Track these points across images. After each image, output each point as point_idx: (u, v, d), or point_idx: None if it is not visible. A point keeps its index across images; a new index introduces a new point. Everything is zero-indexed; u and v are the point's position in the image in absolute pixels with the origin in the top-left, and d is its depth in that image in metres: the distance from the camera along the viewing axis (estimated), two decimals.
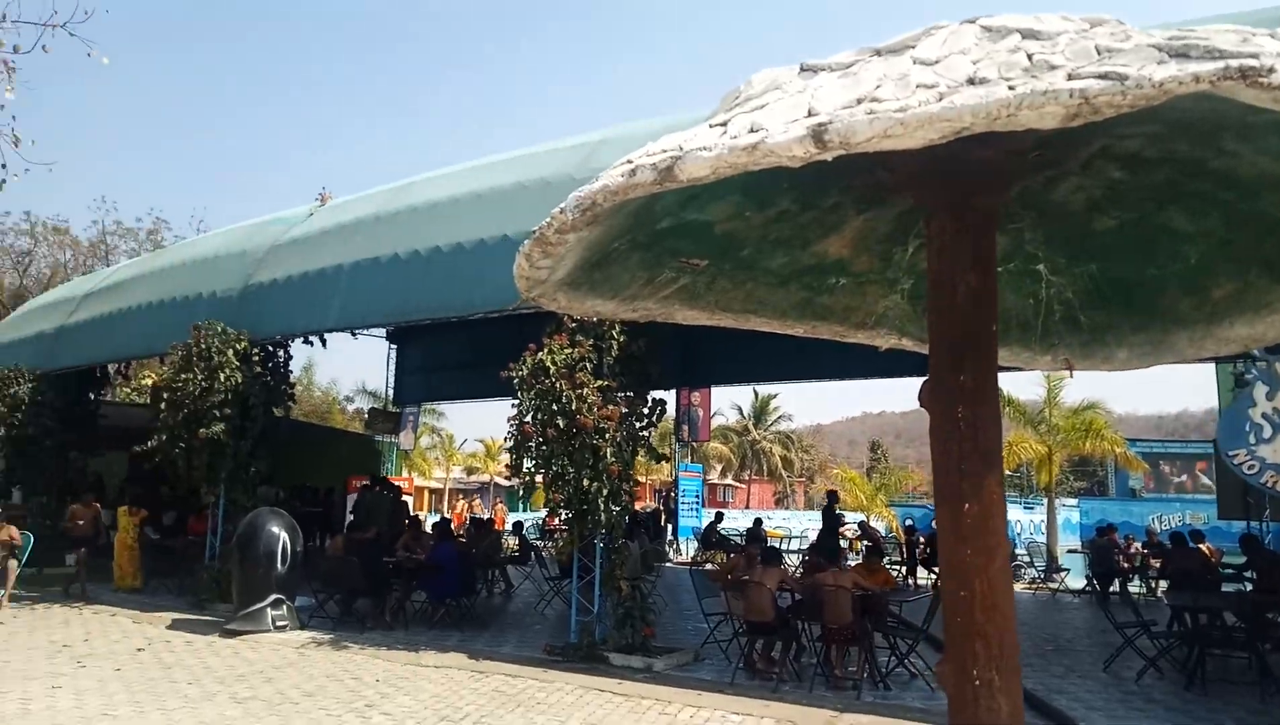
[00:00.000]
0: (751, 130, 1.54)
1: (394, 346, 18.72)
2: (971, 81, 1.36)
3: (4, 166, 8.99)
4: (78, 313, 16.24)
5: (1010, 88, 1.27)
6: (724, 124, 1.66)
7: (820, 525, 17.22)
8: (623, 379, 8.86)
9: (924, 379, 2.13)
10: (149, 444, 12.01)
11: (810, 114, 1.48)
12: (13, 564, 11.93)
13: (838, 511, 16.88)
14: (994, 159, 1.94)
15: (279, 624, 9.65)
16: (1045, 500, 22.81)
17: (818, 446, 78.22)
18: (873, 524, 20.50)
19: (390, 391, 19.38)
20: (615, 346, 8.79)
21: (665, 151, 1.64)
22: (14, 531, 12.16)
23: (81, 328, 15.85)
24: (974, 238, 2.03)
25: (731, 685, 7.51)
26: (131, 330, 14.64)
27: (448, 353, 17.46)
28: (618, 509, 8.52)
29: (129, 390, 25.29)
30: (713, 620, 8.75)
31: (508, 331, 12.20)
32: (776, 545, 12.65)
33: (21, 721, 6.11)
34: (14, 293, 28.20)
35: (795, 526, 26.34)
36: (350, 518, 15.62)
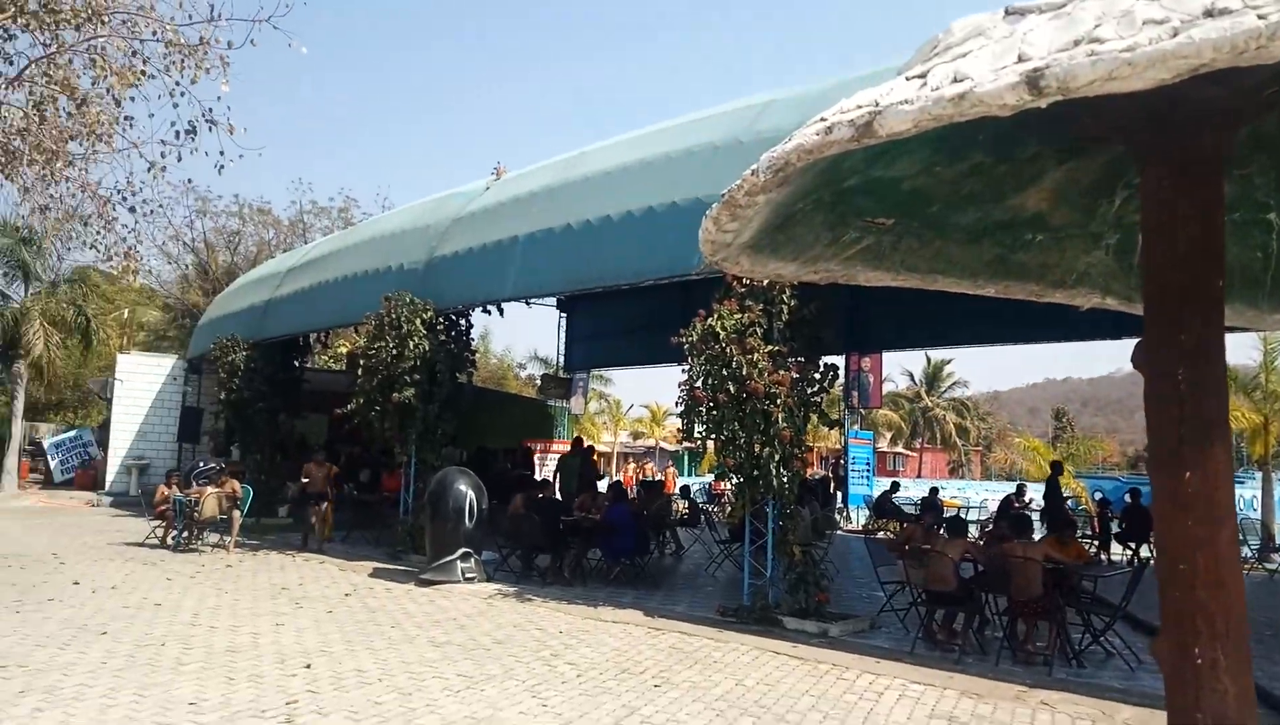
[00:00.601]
0: (955, 80, 1.48)
1: (563, 315, 19.30)
2: (1209, 13, 1.25)
3: (222, 154, 9.90)
4: (282, 287, 17.74)
5: (1260, 17, 1.15)
6: (923, 75, 1.60)
7: (1039, 497, 16.58)
8: (793, 344, 8.77)
9: (1133, 341, 1.98)
10: (348, 407, 13.03)
11: (1022, 59, 1.41)
12: (236, 514, 13.32)
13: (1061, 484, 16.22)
14: (1222, 98, 1.77)
15: (468, 576, 10.29)
16: (1260, 474, 20.78)
17: (995, 414, 74.54)
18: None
19: (561, 358, 20.01)
20: (786, 311, 8.70)
21: (862, 107, 1.60)
22: (236, 485, 13.57)
23: (286, 301, 17.31)
24: (1197, 185, 1.87)
25: (911, 654, 7.36)
26: (328, 302, 15.85)
27: (615, 320, 17.85)
28: (789, 474, 8.47)
29: (327, 357, 27.33)
30: (889, 589, 8.60)
31: (674, 298, 12.36)
32: (956, 515, 12.23)
33: (253, 652, 6.86)
34: (226, 270, 30.99)
35: (973, 496, 25.28)
36: (544, 479, 16.33)
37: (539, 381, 27.78)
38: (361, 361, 13.07)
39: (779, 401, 8.35)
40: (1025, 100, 1.34)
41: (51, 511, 18.31)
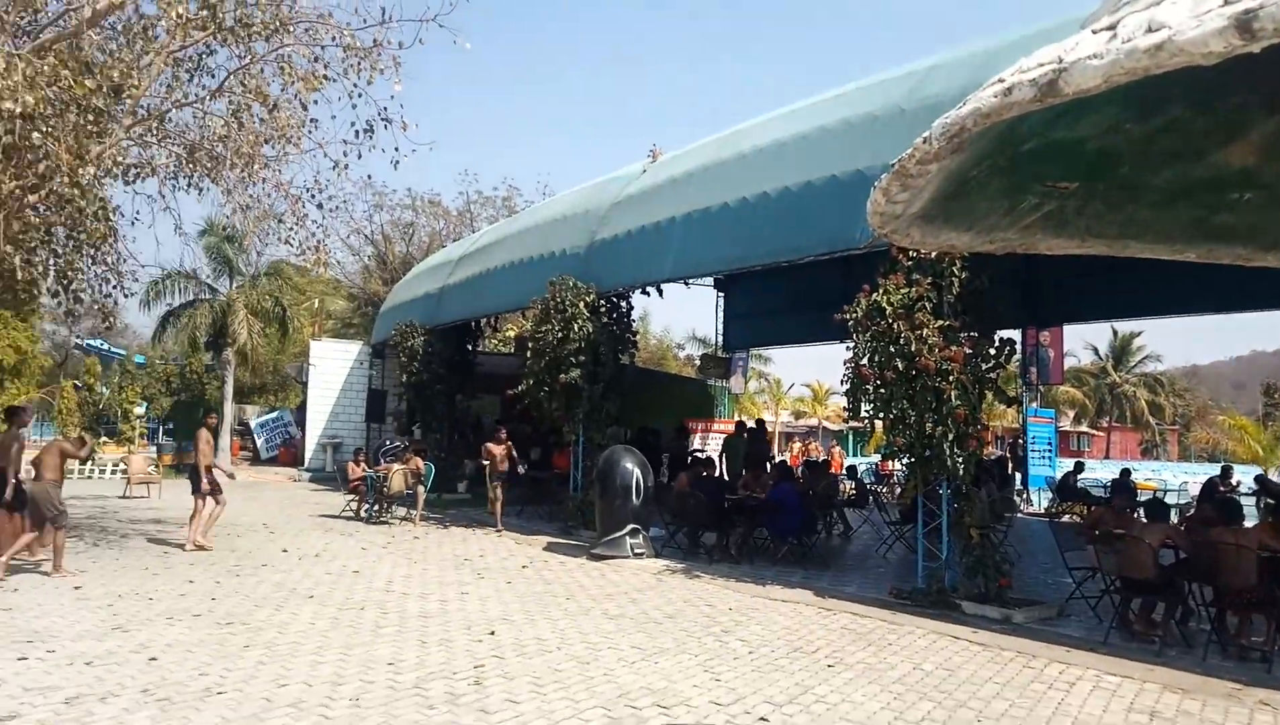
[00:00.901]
0: (1151, 29, 1.38)
1: (721, 294, 19.27)
2: None
3: (397, 149, 10.55)
4: (454, 275, 18.68)
5: None
6: (1111, 28, 1.51)
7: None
8: (965, 318, 8.39)
9: None
10: (519, 388, 13.60)
11: (1228, 2, 1.31)
12: (420, 489, 14.23)
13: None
14: None
15: (636, 551, 10.55)
16: None
17: (1193, 390, 68.33)
18: (1274, 478, 17.62)
19: (719, 338, 20.03)
20: (956, 283, 8.34)
21: (1044, 65, 1.53)
22: (419, 462, 14.48)
23: (457, 288, 18.22)
24: None
25: (1105, 645, 6.91)
26: (496, 288, 16.56)
27: (773, 298, 17.67)
28: (964, 455, 8.14)
29: (496, 341, 28.56)
30: (1077, 575, 8.12)
31: (834, 274, 12.10)
32: (1155, 498, 11.37)
33: (442, 618, 7.34)
34: (402, 259, 32.92)
35: (1170, 479, 23.39)
36: (708, 458, 16.49)
37: (698, 361, 27.93)
38: (530, 344, 13.61)
39: (951, 378, 8.03)
40: (1235, 46, 1.24)
41: (259, 486, 20.18)
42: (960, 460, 8.12)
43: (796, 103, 12.17)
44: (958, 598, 8.09)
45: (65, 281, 10.57)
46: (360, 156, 10.48)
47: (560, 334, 12.76)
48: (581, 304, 12.82)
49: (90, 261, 10.87)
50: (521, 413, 17.17)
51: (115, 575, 8.82)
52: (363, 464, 15.16)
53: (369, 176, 25.27)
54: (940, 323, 8.18)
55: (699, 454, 16.81)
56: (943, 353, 8.04)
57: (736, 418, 23.73)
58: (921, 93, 9.13)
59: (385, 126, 10.19)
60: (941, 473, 8.30)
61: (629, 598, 8.40)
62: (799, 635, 7.04)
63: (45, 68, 8.22)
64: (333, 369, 24.08)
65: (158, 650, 6.04)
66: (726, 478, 14.68)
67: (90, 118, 9.07)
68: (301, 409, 26.69)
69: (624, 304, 13.65)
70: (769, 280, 15.67)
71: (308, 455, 24.01)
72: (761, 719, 4.98)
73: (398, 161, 10.45)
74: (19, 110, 7.68)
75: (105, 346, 32.84)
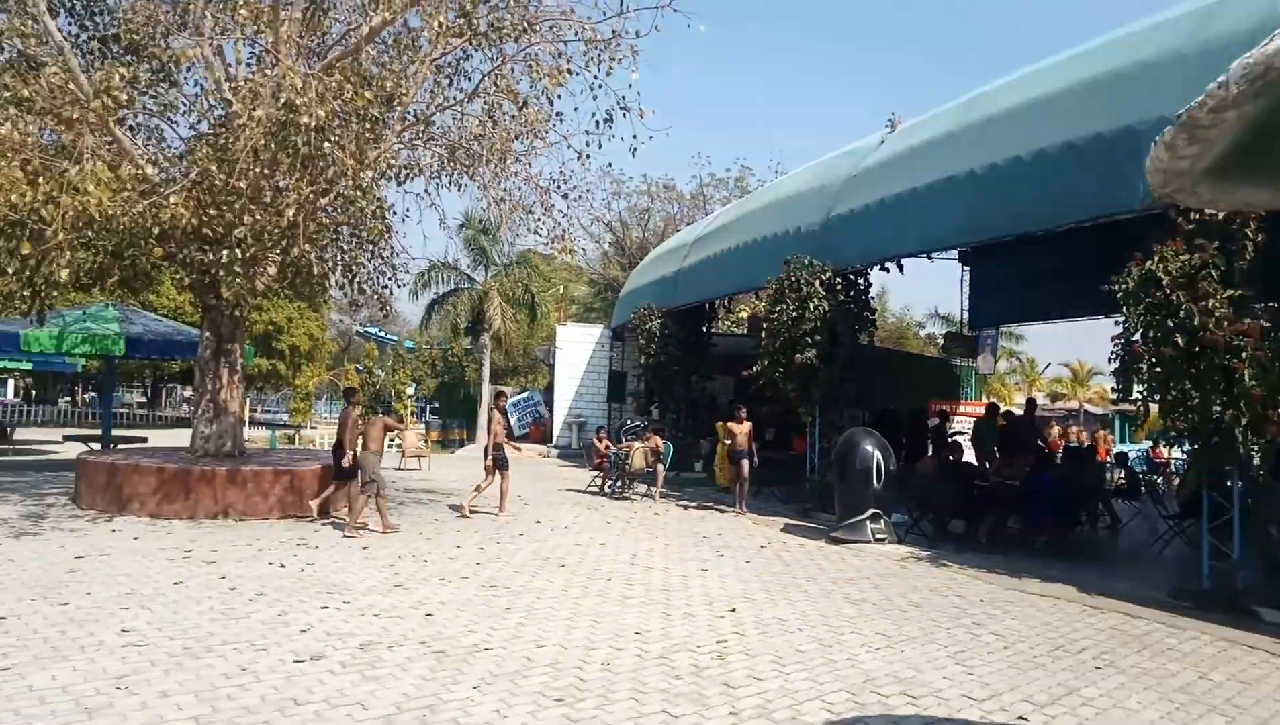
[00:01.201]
0: None
1: (966, 268, 18.18)
2: None
3: (635, 137, 10.82)
4: (689, 257, 19.00)
5: None
6: None
7: None
8: (1261, 286, 7.37)
9: None
10: (753, 369, 13.62)
11: None
12: (660, 468, 14.68)
13: None
14: None
15: (878, 537, 10.27)
16: None
17: None
18: None
19: (964, 314, 18.94)
20: (1250, 247, 7.34)
21: None
22: (659, 441, 14.93)
23: (692, 270, 18.52)
24: None
25: None
26: (731, 269, 16.64)
27: (1025, 271, 16.34)
28: (1261, 442, 7.17)
29: (729, 322, 28.80)
30: None
31: (1096, 242, 10.99)
32: None
33: (684, 592, 7.55)
34: (639, 244, 33.96)
35: None
36: (954, 442, 15.77)
37: (941, 340, 26.60)
38: (764, 324, 13.56)
39: (1244, 355, 7.09)
40: None
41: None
42: (1256, 448, 7.17)
43: (1051, 57, 11.17)
44: (1254, 603, 7.16)
45: (350, 275, 11.91)
46: (600, 146, 10.90)
47: (795, 313, 12.62)
48: (817, 282, 12.60)
49: (370, 256, 12.15)
50: (757, 393, 17.21)
51: (394, 538, 9.84)
52: (605, 442, 15.87)
53: (609, 165, 26.60)
54: (1230, 292, 7.25)
55: (960, 437, 16.04)
56: (1233, 326, 7.12)
57: (988, 400, 22.38)
58: (1205, 34, 8.07)
59: (624, 115, 10.52)
60: (1232, 461, 7.37)
61: (871, 583, 8.19)
62: (1060, 633, 6.54)
63: (333, 84, 9.25)
64: (576, 352, 25.39)
65: (433, 607, 6.68)
66: (976, 462, 13.90)
67: (368, 126, 10.11)
68: (549, 389, 28.40)
69: (861, 281, 13.26)
70: (1020, 251, 14.54)
71: (555, 433, 25.52)
72: (1021, 718, 4.69)
73: (635, 149, 10.74)
74: (314, 124, 8.73)
75: (380, 333, 36.73)
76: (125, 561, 7.90)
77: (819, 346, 12.50)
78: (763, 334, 13.52)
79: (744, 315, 27.75)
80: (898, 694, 5.00)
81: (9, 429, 21.70)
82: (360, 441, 10.33)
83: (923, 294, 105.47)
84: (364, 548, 9.18)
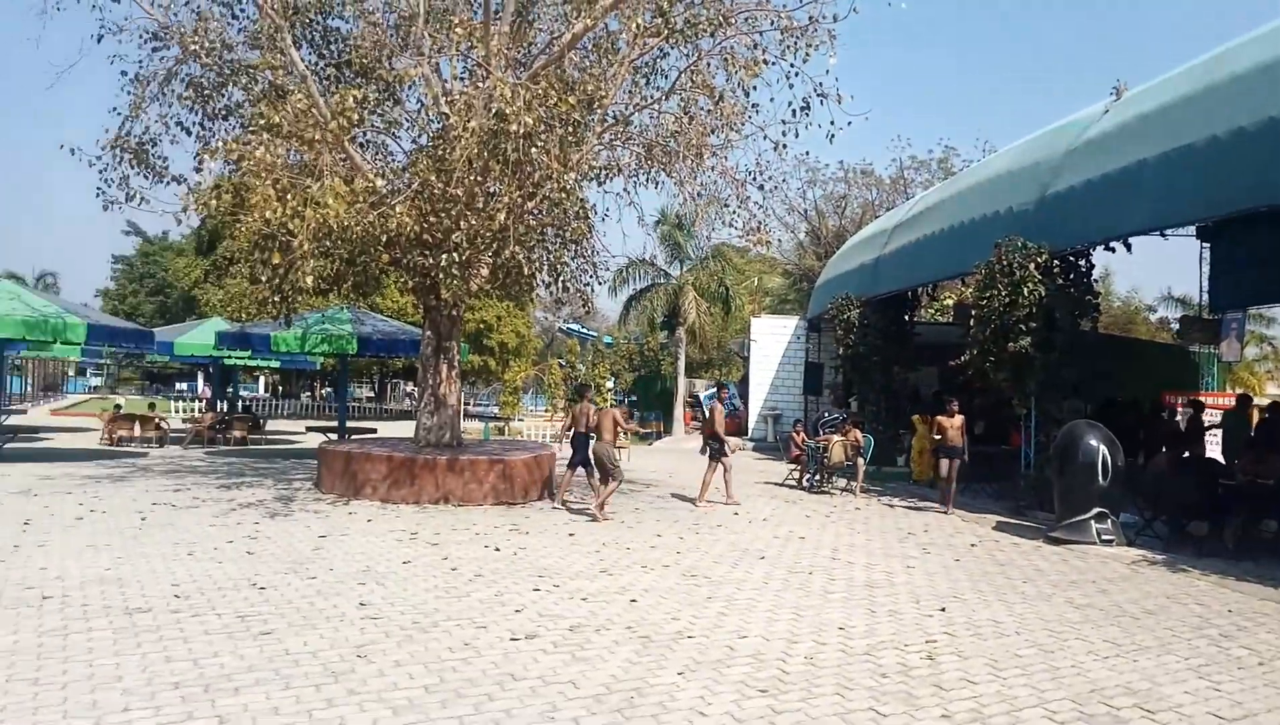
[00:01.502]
0: None
1: (1206, 245, 16.38)
2: None
3: (833, 123, 10.52)
4: (889, 244, 18.34)
5: None
6: None
7: None
8: None
9: None
10: (961, 359, 12.97)
11: None
12: (860, 461, 14.32)
13: None
14: None
15: (1104, 538, 9.51)
16: None
17: None
18: None
19: (1203, 296, 17.11)
20: None
21: None
22: (858, 434, 14.56)
23: (893, 257, 17.86)
24: None
25: None
26: (934, 254, 15.91)
27: (1277, 246, 14.53)
28: None
29: (933, 310, 27.58)
30: None
31: None
32: None
33: (889, 589, 7.32)
34: (835, 233, 33.18)
35: None
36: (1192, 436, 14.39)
37: (1176, 324, 24.21)
38: (973, 311, 12.88)
39: None
40: None
41: (696, 456, 21.79)
42: None
43: None
44: None
45: (555, 274, 12.45)
46: (797, 135, 10.72)
47: (1007, 299, 11.89)
48: (1032, 266, 11.81)
49: (573, 255, 12.65)
50: (965, 385, 16.37)
51: (599, 527, 10.20)
52: (802, 435, 15.67)
53: (806, 153, 26.15)
54: None
55: (1177, 429, 14.58)
56: None
57: (1235, 390, 20.16)
58: None
59: (821, 102, 10.31)
60: None
61: (1097, 587, 7.60)
62: None
63: (539, 91, 9.70)
64: (771, 344, 25.20)
65: (636, 594, 6.88)
66: (1223, 458, 12.55)
67: (571, 129, 10.52)
68: (744, 382, 28.38)
69: (1082, 263, 12.29)
70: (1271, 225, 12.96)
71: (750, 425, 25.47)
72: None
73: (833, 135, 10.47)
74: (523, 131, 9.19)
75: (582, 329, 38.11)
76: (361, 542, 8.70)
77: (1034, 333, 11.73)
78: (971, 322, 12.85)
79: (949, 302, 26.48)
80: (1130, 706, 4.61)
81: (262, 421, 24.45)
82: (596, 433, 11.25)
83: (1153, 275, 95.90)
84: (570, 534, 9.58)
